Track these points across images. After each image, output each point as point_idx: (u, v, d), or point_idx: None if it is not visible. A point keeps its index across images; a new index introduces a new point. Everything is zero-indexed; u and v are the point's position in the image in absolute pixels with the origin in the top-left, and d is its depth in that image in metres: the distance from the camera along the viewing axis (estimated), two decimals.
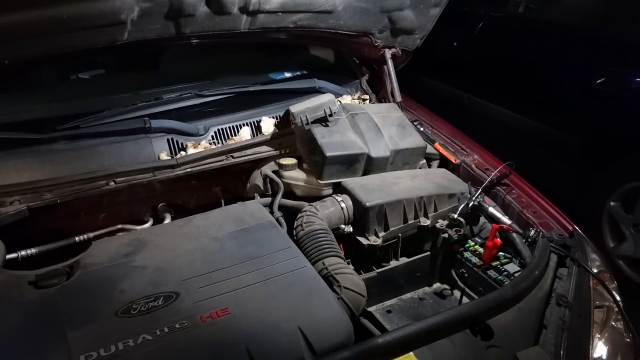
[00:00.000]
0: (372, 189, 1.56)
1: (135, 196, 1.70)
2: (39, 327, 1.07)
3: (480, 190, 1.62)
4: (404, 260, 1.55)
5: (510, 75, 3.49)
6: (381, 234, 1.51)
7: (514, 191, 1.75)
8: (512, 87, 3.47)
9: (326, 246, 1.38)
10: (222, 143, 1.81)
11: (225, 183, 1.83)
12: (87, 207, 1.63)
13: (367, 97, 2.17)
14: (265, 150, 1.79)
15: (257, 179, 1.75)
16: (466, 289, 1.49)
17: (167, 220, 1.67)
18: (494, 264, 1.47)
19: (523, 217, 1.63)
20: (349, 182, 1.61)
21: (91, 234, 1.53)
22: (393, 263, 1.54)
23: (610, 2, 3.13)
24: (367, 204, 1.49)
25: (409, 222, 1.55)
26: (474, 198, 1.59)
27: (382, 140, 1.72)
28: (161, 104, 1.82)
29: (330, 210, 1.52)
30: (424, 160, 1.86)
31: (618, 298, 1.40)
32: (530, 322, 1.23)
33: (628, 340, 1.34)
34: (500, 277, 1.41)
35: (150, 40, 1.60)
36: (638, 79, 2.66)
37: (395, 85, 2.12)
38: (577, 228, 1.58)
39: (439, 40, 3.42)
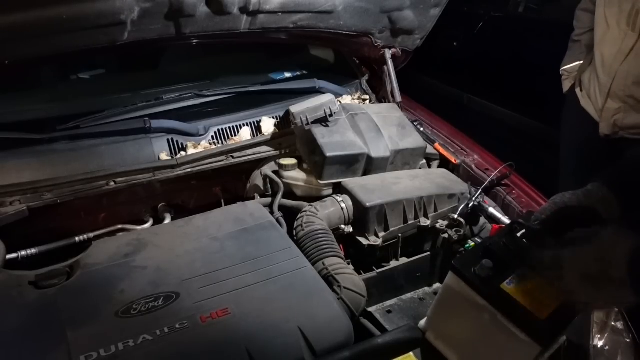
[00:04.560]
0: (372, 189, 1.56)
1: (135, 196, 1.69)
2: (39, 327, 1.07)
3: (480, 190, 1.63)
4: (404, 260, 1.55)
5: (510, 75, 3.49)
6: (381, 234, 1.51)
7: (514, 191, 1.75)
8: (512, 87, 3.47)
9: (326, 246, 1.38)
10: (222, 143, 1.81)
11: (225, 183, 1.83)
12: (87, 207, 1.63)
13: (367, 97, 2.17)
14: (265, 151, 1.79)
15: (257, 179, 1.75)
16: None
17: (167, 220, 1.67)
18: None
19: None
20: (349, 182, 1.61)
21: (91, 234, 1.53)
22: (393, 263, 1.54)
23: None
24: (367, 204, 1.49)
25: (409, 223, 1.55)
26: (474, 198, 1.59)
27: (382, 140, 1.72)
28: (161, 104, 1.82)
29: (330, 211, 1.52)
30: (424, 161, 1.86)
31: None
32: None
33: (628, 340, 1.34)
34: None
35: (150, 41, 1.60)
36: None
37: (395, 85, 2.12)
38: None
39: (439, 40, 3.42)
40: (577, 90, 2.12)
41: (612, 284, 0.80)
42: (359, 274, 1.42)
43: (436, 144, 1.99)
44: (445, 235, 1.52)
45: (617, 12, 1.74)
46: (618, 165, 1.06)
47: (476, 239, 1.59)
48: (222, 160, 1.72)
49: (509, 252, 1.03)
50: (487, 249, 1.05)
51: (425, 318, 1.16)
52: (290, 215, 1.56)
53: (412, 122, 1.98)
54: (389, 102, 2.12)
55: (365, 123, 1.77)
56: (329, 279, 1.28)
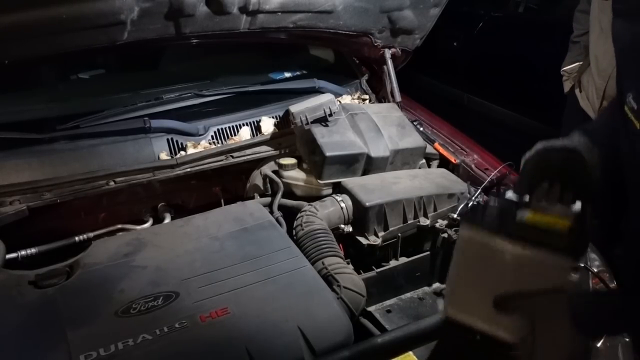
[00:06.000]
0: (372, 188, 1.56)
1: (135, 196, 1.70)
2: (38, 327, 1.07)
3: (479, 190, 1.63)
4: (403, 260, 1.55)
5: (510, 75, 3.49)
6: (381, 233, 1.51)
7: None
8: (512, 87, 3.47)
9: (326, 246, 1.38)
10: (222, 143, 1.80)
11: (225, 183, 1.83)
12: (87, 207, 1.63)
13: (366, 97, 2.17)
14: (265, 150, 1.79)
15: (256, 178, 1.75)
16: None
17: (167, 220, 1.67)
18: None
19: None
20: (349, 182, 1.61)
21: (91, 234, 1.53)
22: (393, 263, 1.54)
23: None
24: (367, 204, 1.49)
25: (409, 222, 1.55)
26: (473, 198, 1.59)
27: (381, 140, 1.72)
28: (161, 103, 1.82)
29: (329, 210, 1.52)
30: (424, 160, 1.86)
31: None
32: None
33: (627, 339, 1.34)
34: None
35: (150, 40, 1.60)
36: None
37: (395, 85, 2.12)
38: None
39: (439, 40, 3.43)
40: (577, 91, 2.12)
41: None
42: (359, 273, 1.42)
43: (436, 144, 1.99)
44: (445, 235, 1.52)
45: (610, 17, 1.74)
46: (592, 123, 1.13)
47: None
48: (221, 160, 1.72)
49: (508, 202, 1.01)
50: (485, 205, 1.03)
51: (442, 306, 1.11)
52: (289, 215, 1.56)
53: (412, 121, 1.98)
54: (389, 101, 2.12)
55: (364, 123, 1.77)
56: (329, 279, 1.28)
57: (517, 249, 0.93)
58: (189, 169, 1.67)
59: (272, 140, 1.81)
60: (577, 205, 0.96)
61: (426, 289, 1.57)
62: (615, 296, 0.92)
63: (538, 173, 1.05)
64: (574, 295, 0.88)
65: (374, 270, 1.47)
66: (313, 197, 1.65)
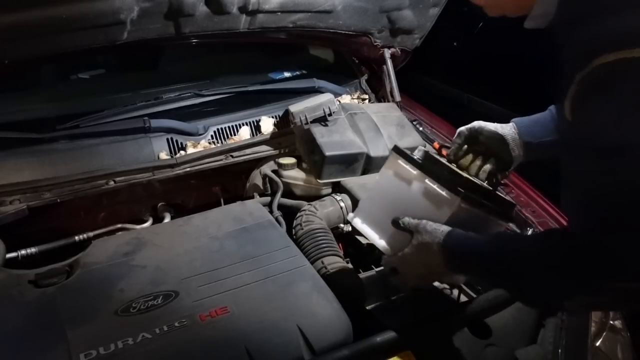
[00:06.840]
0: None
1: (134, 195, 1.70)
2: (38, 326, 1.07)
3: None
4: None
5: (511, 75, 3.49)
6: None
7: (513, 191, 1.75)
8: (512, 87, 3.47)
9: (325, 245, 1.38)
10: (222, 143, 1.81)
11: (225, 182, 1.83)
12: (87, 207, 1.63)
13: (366, 96, 2.18)
14: (264, 150, 1.79)
15: (256, 178, 1.76)
16: (465, 288, 1.49)
17: (167, 219, 1.67)
18: None
19: (522, 216, 1.63)
20: (348, 181, 1.62)
21: (91, 233, 1.54)
22: None
23: None
24: None
25: None
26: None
27: (381, 139, 1.73)
28: (161, 103, 1.82)
29: (329, 210, 1.53)
30: None
31: None
32: (528, 320, 1.24)
33: (626, 338, 1.34)
34: None
35: (150, 40, 1.60)
36: None
37: (395, 85, 2.13)
38: None
39: (439, 40, 3.42)
40: None
41: (436, 276, 1.18)
42: (358, 272, 1.43)
43: (435, 144, 1.98)
44: None
45: None
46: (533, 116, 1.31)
47: None
48: (221, 160, 1.72)
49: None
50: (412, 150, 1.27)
51: (354, 212, 1.30)
52: (289, 215, 1.56)
53: (412, 121, 1.98)
54: (389, 101, 2.12)
55: (364, 122, 1.77)
56: (328, 278, 1.28)
57: (423, 180, 1.14)
58: (188, 169, 1.67)
59: (271, 140, 1.81)
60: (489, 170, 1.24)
61: None
62: (478, 243, 1.01)
63: (466, 146, 1.28)
64: (451, 231, 1.03)
65: (373, 269, 1.47)
66: (312, 197, 1.65)
